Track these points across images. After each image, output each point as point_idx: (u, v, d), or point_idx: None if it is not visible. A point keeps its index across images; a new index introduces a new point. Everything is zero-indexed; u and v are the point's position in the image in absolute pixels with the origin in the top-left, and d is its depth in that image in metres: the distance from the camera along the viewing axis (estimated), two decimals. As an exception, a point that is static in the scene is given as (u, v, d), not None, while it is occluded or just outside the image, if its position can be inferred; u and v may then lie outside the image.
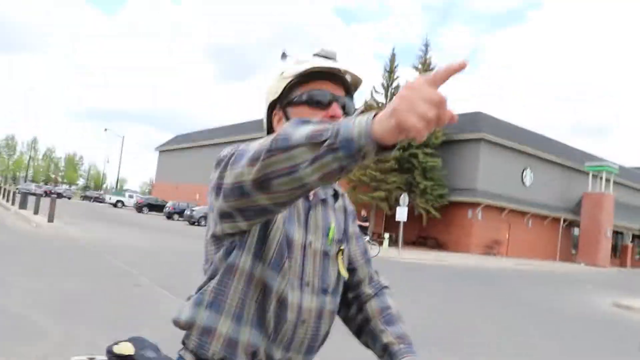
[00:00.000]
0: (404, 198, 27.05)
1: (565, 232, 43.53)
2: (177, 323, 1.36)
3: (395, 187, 34.97)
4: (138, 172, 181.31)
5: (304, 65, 1.41)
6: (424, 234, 38.03)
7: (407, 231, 33.36)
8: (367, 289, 1.64)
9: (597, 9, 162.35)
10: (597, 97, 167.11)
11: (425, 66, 37.51)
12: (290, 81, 1.42)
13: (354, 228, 1.65)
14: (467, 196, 36.15)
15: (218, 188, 1.24)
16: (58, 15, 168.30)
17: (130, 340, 1.47)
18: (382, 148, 0.93)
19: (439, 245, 36.96)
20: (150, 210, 48.02)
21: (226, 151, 1.25)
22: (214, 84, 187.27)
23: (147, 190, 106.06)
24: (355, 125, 0.93)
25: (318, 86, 1.42)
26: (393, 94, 37.29)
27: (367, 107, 37.32)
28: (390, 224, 35.26)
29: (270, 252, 1.34)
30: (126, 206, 54.32)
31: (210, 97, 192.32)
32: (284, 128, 1.02)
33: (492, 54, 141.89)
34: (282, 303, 1.34)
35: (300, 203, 1.44)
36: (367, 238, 23.10)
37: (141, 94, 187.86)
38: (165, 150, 72.57)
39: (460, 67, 0.88)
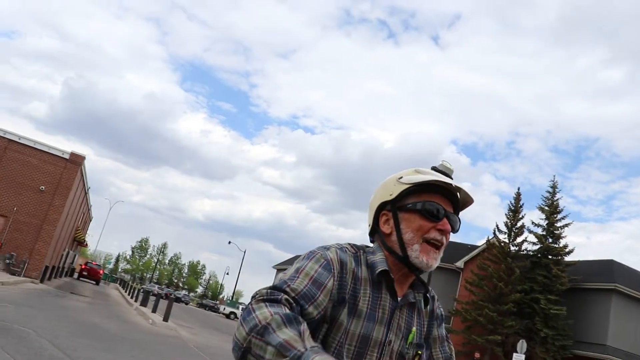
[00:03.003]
0: (522, 345, 25.29)
1: None
2: None
3: (512, 332, 32.76)
4: (254, 286, 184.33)
5: (425, 177, 1.50)
6: (542, 387, 34.72)
7: (524, 382, 30.73)
8: None
9: None
10: None
11: (552, 208, 36.11)
12: (408, 187, 1.51)
13: (439, 332, 1.68)
14: (594, 351, 32.80)
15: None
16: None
17: None
18: None
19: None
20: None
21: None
22: (335, 211, 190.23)
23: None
24: None
25: (431, 198, 1.51)
26: (517, 234, 36.06)
27: (489, 245, 36.25)
28: (505, 371, 32.69)
29: (351, 347, 1.42)
30: (238, 318, 54.95)
31: (333, 223, 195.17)
32: (273, 317, 1.20)
33: (628, 202, 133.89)
34: None
35: (387, 302, 1.49)
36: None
37: (267, 217, 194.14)
38: (281, 268, 73.72)
39: None
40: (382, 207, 1.58)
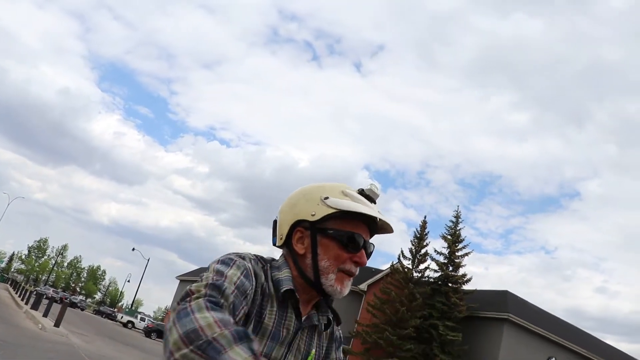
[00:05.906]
0: (418, 368, 25.90)
1: None
2: None
3: (410, 356, 33.51)
4: (156, 296, 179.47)
5: (353, 205, 1.43)
6: (434, 411, 35.63)
7: (416, 405, 31.46)
8: None
9: None
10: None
11: (454, 237, 37.45)
12: (334, 213, 1.42)
13: (337, 355, 1.65)
14: (485, 378, 34.20)
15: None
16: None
17: None
18: None
19: None
20: (158, 336, 46.91)
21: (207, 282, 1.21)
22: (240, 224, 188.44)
23: (160, 317, 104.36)
24: None
25: (354, 228, 1.45)
26: (420, 261, 37.04)
27: (393, 270, 37.03)
28: (400, 394, 33.33)
29: None
30: (136, 328, 53.19)
31: (241, 238, 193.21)
32: (223, 333, 0.98)
33: (525, 237, 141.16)
34: None
35: (292, 322, 1.43)
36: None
37: (175, 226, 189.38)
38: (185, 280, 71.86)
39: None
40: (298, 223, 1.47)
